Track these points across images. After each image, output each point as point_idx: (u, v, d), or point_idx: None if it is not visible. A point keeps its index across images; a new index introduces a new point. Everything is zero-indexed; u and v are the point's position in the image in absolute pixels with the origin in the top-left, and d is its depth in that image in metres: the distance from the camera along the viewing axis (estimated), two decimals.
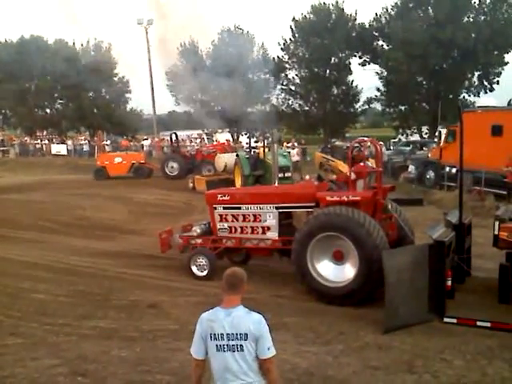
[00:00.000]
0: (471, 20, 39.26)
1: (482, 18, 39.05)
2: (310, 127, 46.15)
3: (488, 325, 7.64)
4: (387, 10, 42.33)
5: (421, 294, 7.93)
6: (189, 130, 48.72)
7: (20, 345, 7.27)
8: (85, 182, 26.46)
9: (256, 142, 30.91)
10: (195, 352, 3.76)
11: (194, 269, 10.64)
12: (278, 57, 45.89)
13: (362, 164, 9.96)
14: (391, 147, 36.23)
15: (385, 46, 42.87)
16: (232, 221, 10.72)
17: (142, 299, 9.28)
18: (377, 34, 43.23)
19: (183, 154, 29.13)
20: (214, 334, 3.66)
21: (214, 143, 35.27)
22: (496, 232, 8.37)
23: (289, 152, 24.16)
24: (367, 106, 46.20)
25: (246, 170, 20.75)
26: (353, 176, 9.57)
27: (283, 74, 46.11)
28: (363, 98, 45.45)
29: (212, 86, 47.35)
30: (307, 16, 44.24)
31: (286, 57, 45.45)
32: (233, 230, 10.75)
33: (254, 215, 10.44)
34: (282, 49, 45.21)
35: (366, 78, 44.61)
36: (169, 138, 32.09)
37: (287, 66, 45.77)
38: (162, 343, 7.32)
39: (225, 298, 3.76)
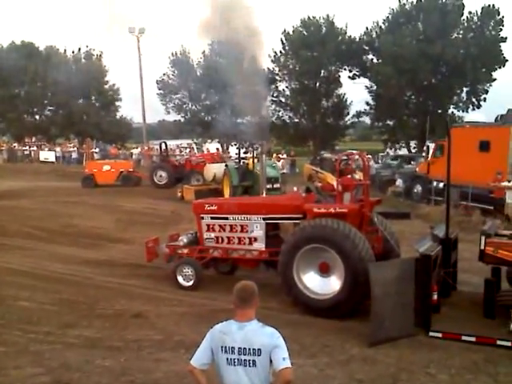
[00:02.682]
0: (460, 36, 39.75)
1: (471, 34, 39.56)
2: (299, 139, 46.33)
3: (473, 339, 7.69)
4: (378, 24, 42.77)
5: (407, 307, 7.96)
6: (178, 140, 48.76)
7: (3, 353, 7.19)
8: (72, 189, 26.27)
9: (245, 152, 30.94)
10: (196, 359, 3.72)
11: (179, 279, 10.55)
12: (268, 69, 46.11)
13: (349, 177, 10.04)
14: (379, 161, 36.47)
15: (374, 60, 43.24)
16: (219, 231, 10.67)
17: (127, 308, 9.22)
18: (367, 47, 43.58)
19: (172, 163, 29.09)
20: (225, 347, 3.62)
21: (204, 153, 35.28)
22: (482, 247, 8.45)
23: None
24: (356, 119, 46.51)
25: (235, 181, 20.75)
26: (340, 188, 9.58)
27: (273, 86, 46.30)
28: (352, 111, 45.80)
29: (202, 95, 47.72)
30: (297, 29, 44.55)
31: (277, 69, 45.67)
32: (219, 240, 10.70)
33: (241, 226, 10.42)
34: (272, 61, 45.46)
35: (356, 92, 45.02)
36: (158, 147, 32.06)
37: (277, 77, 45.99)
38: (147, 353, 7.28)
39: (238, 312, 3.72)
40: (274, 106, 46.63)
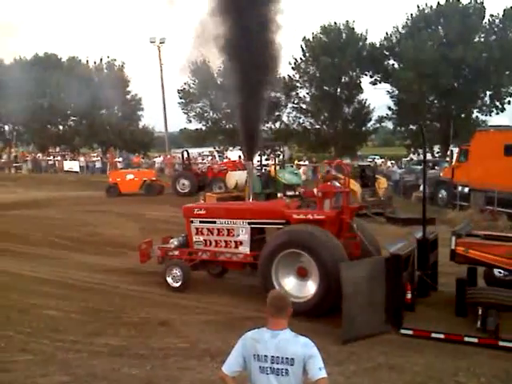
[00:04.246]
0: (482, 40, 39.35)
1: (493, 37, 39.13)
2: (320, 145, 46.24)
3: (442, 336, 7.86)
4: (398, 29, 42.60)
5: (378, 305, 8.17)
6: (200, 148, 49.03)
7: (30, 361, 7.24)
8: (97, 198, 26.55)
9: (267, 159, 30.97)
10: (228, 366, 3.70)
11: (169, 279, 10.87)
12: (288, 75, 46.20)
13: (329, 184, 10.42)
14: (403, 166, 36.16)
15: (395, 65, 43.02)
16: (207, 234, 11.00)
17: (152, 316, 9.24)
18: (387, 53, 43.44)
19: (194, 171, 29.21)
20: (258, 355, 3.60)
21: (225, 161, 35.37)
22: (453, 247, 8.65)
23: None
24: (378, 125, 46.26)
25: (257, 188, 20.75)
26: (320, 195, 9.90)
27: (294, 93, 46.34)
28: (374, 116, 45.59)
29: (223, 103, 47.98)
30: (318, 36, 44.60)
31: (297, 76, 45.71)
32: (208, 243, 11.02)
33: (228, 230, 10.72)
34: (292, 68, 45.52)
35: (378, 97, 44.73)
36: (180, 156, 32.21)
37: (298, 84, 46.02)
38: (173, 362, 7.26)
39: (270, 321, 3.69)
40: (294, 113, 46.71)
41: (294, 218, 9.71)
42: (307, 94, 46.22)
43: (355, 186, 21.04)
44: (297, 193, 20.15)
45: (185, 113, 49.00)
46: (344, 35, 43.97)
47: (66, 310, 9.64)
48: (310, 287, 9.21)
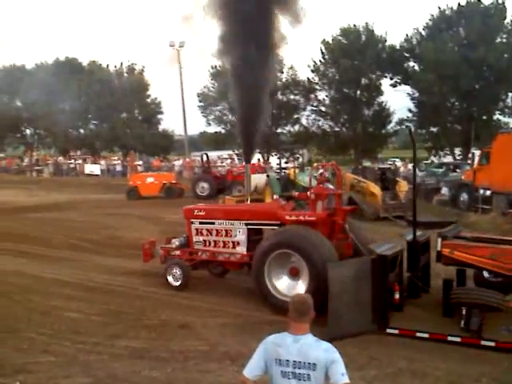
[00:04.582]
0: (504, 41, 38.87)
1: None
2: (340, 148, 46.07)
3: (426, 336, 8.06)
4: (418, 30, 42.29)
5: (364, 304, 8.35)
6: (219, 151, 49.15)
7: (52, 363, 7.30)
8: (117, 201, 26.75)
9: (286, 162, 30.92)
10: (249, 370, 3.68)
11: (169, 278, 11.18)
12: (307, 78, 46.15)
13: (321, 186, 10.62)
14: (423, 169, 35.82)
15: (416, 67, 42.70)
16: (206, 235, 11.31)
17: (172, 319, 9.26)
18: (408, 55, 43.13)
19: (214, 174, 29.27)
20: (280, 360, 3.58)
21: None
22: (439, 248, 8.79)
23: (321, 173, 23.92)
24: (399, 127, 45.92)
25: (277, 191, 20.68)
26: (312, 197, 10.15)
27: (313, 95, 46.26)
28: (395, 118, 45.27)
29: None
30: (337, 38, 44.49)
31: (316, 78, 45.63)
32: (207, 243, 11.32)
33: (226, 230, 11.02)
34: (312, 70, 45.46)
35: (398, 99, 44.36)
36: (200, 159, 32.31)
37: (317, 87, 45.93)
38: (193, 364, 7.27)
39: (292, 325, 3.67)
40: (313, 116, 46.62)
41: (287, 220, 9.98)
42: (326, 96, 46.17)
43: (375, 189, 20.92)
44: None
45: (204, 116, 49.25)
46: (363, 37, 43.80)
47: (87, 312, 9.70)
48: (301, 286, 9.41)
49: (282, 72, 47.18)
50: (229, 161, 41.80)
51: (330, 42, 44.67)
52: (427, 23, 41.77)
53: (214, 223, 11.19)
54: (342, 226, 9.94)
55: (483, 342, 7.71)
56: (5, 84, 57.09)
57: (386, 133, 46.12)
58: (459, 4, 40.58)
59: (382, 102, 45.09)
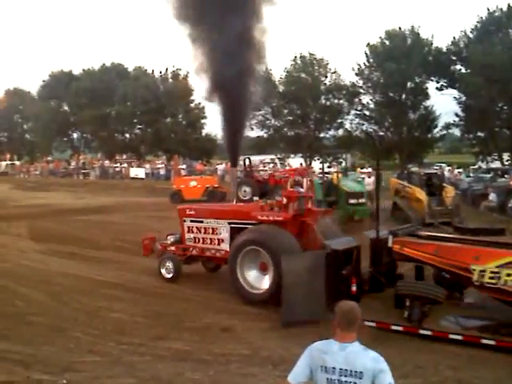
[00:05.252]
0: None
1: None
2: (384, 153, 45.41)
3: (373, 324, 8.60)
4: (465, 33, 41.37)
5: (318, 294, 9.04)
6: (262, 155, 49.17)
7: (97, 362, 7.40)
8: (161, 204, 27.04)
9: (329, 167, 30.65)
10: (294, 376, 3.63)
11: (162, 271, 12.23)
12: (351, 82, 45.77)
13: (292, 189, 11.31)
14: (471, 174, 34.94)
15: (463, 70, 41.76)
16: (196, 232, 12.29)
17: (214, 322, 9.29)
18: (454, 58, 42.22)
19: (256, 178, 29.23)
20: (326, 367, 3.54)
21: (287, 168, 35.29)
22: (390, 244, 9.55)
23: (363, 178, 23.61)
24: (445, 132, 44.95)
25: (319, 196, 20.47)
26: (284, 199, 10.92)
27: (357, 99, 45.81)
28: (441, 123, 44.31)
29: (285, 111, 48.04)
30: (382, 41, 44.00)
31: (361, 82, 45.19)
32: (196, 240, 12.32)
33: (212, 228, 11.98)
34: (356, 74, 45.05)
35: (444, 103, 43.36)
36: (242, 163, 32.39)
37: (361, 90, 45.48)
38: (235, 368, 7.25)
39: (339, 333, 3.62)
40: (357, 120, 46.15)
41: (259, 219, 10.85)
42: (371, 100, 45.59)
43: (421, 194, 20.52)
44: (360, 201, 19.80)
45: (247, 121, 49.32)
46: (409, 40, 43.15)
47: (131, 313, 9.83)
48: (267, 280, 10.29)
49: (326, 76, 46.96)
50: (271, 165, 41.73)
51: (375, 45, 44.19)
52: (475, 25, 40.80)
53: (202, 222, 12.18)
54: (311, 225, 10.65)
55: (421, 331, 8.40)
56: (53, 89, 58.77)
57: (431, 137, 45.18)
58: (509, 5, 39.49)
59: (428, 106, 44.25)
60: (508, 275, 8.11)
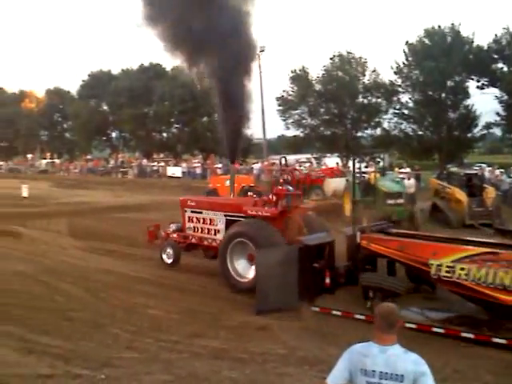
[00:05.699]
0: None
1: None
2: (423, 152, 44.63)
3: (339, 313, 9.50)
4: (508, 30, 40.34)
5: (291, 286, 9.71)
6: (298, 154, 48.99)
7: (135, 359, 7.48)
8: None
9: (366, 167, 30.28)
10: (332, 378, 3.62)
11: (164, 257, 13.25)
12: (390, 81, 45.18)
13: (280, 187, 11.84)
14: None
15: (505, 69, 40.73)
16: (196, 222, 13.16)
17: (251, 321, 9.30)
18: (496, 56, 41.20)
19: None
20: (366, 370, 3.50)
21: (323, 167, 35.09)
22: (358, 241, 10.25)
23: (402, 178, 23.19)
24: (486, 131, 43.92)
25: (356, 196, 20.16)
26: (273, 196, 11.63)
27: (395, 98, 45.18)
28: (482, 122, 43.28)
29: (322, 110, 47.77)
30: (421, 39, 43.29)
31: (399, 80, 44.56)
32: (195, 229, 13.17)
33: (210, 219, 12.78)
34: (394, 72, 44.43)
35: (485, 102, 42.29)
36: (278, 162, 32.32)
37: (400, 89, 44.83)
38: (271, 367, 7.23)
39: (379, 336, 3.58)
40: (395, 119, 45.50)
41: (248, 214, 11.57)
42: (410, 99, 44.86)
43: (461, 195, 20.12)
44: (398, 201, 19.49)
45: (283, 120, 49.23)
46: (449, 38, 42.32)
47: (168, 310, 9.93)
48: (252, 271, 10.87)
49: (364, 75, 46.50)
50: (307, 164, 41.52)
51: (414, 43, 43.51)
52: None
53: (201, 213, 13.00)
54: (298, 221, 11.34)
55: None
56: (92, 89, 59.80)
57: (472, 137, 44.20)
58: None
59: (468, 105, 43.29)
60: (461, 269, 8.68)
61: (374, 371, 3.46)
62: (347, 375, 3.57)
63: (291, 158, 41.13)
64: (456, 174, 23.24)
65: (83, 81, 62.20)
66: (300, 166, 38.40)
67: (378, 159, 37.65)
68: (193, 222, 13.25)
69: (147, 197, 30.99)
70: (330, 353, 7.35)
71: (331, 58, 47.19)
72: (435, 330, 8.61)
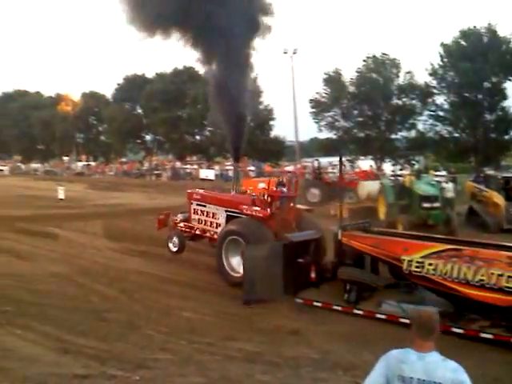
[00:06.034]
0: None
1: None
2: (459, 155, 43.85)
3: (320, 304, 10.17)
4: None
5: (276, 279, 10.32)
6: (330, 157, 48.74)
7: (169, 360, 7.50)
8: None
9: (400, 169, 29.92)
10: None
11: (170, 245, 14.04)
12: (425, 82, 44.56)
13: (276, 189, 12.44)
14: None
15: None
16: (200, 214, 13.93)
17: (284, 324, 9.26)
18: None
19: (325, 180, 29.00)
20: (403, 377, 3.44)
21: (357, 170, 34.80)
22: (339, 237, 10.76)
23: (438, 181, 22.68)
24: None
25: (390, 199, 19.92)
26: (268, 198, 12.10)
27: (431, 100, 44.54)
28: None
29: (355, 112, 47.42)
30: (457, 40, 42.60)
31: (435, 82, 43.91)
32: (200, 221, 13.94)
33: (213, 213, 13.51)
34: (429, 74, 43.81)
35: None
36: (311, 165, 32.19)
37: (435, 91, 44.18)
38: (305, 372, 7.17)
39: (418, 342, 3.52)
40: (431, 121, 44.84)
41: (244, 212, 12.20)
42: (445, 100, 44.17)
43: (499, 198, 19.67)
44: (434, 205, 19.11)
45: (316, 122, 49.07)
46: (485, 39, 41.52)
47: (201, 312, 9.96)
48: None
49: (398, 76, 45.99)
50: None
51: (449, 44, 42.84)
52: None
53: (205, 206, 13.76)
54: (290, 222, 11.98)
55: (355, 311, 9.73)
56: (127, 92, 60.62)
57: (509, 139, 43.22)
58: None
59: (506, 107, 42.37)
60: (430, 264, 9.23)
61: (411, 378, 3.40)
62: (384, 381, 3.51)
63: (324, 160, 40.95)
64: (493, 177, 22.72)
65: (118, 84, 63.28)
66: (333, 169, 38.21)
67: (413, 162, 37.18)
68: (197, 214, 14.01)
69: (180, 199, 30.99)
70: (364, 358, 7.26)
71: (365, 60, 46.87)
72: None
